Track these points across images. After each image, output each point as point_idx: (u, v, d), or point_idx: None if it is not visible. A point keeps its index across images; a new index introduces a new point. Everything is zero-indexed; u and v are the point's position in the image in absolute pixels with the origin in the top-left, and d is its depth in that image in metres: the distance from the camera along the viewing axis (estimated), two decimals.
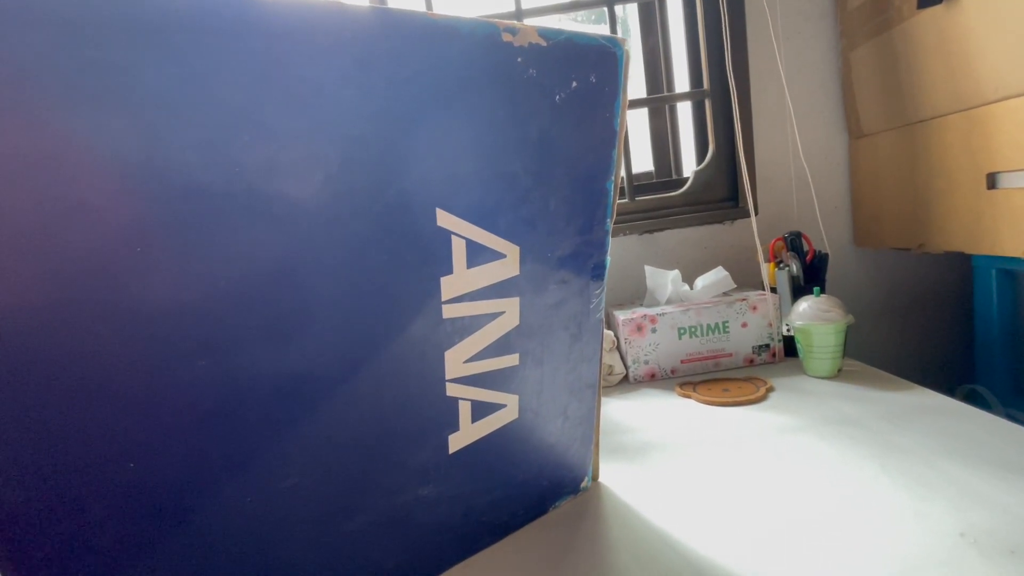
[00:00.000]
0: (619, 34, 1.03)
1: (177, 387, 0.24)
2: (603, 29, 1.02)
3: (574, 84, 0.34)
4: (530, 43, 0.31)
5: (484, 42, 0.29)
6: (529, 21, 0.88)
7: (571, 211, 0.37)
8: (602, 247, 0.40)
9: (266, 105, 0.24)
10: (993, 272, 0.70)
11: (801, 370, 0.69)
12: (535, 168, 0.34)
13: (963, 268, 0.91)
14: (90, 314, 0.21)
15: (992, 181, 0.62)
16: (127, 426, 0.23)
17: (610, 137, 0.37)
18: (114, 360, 0.22)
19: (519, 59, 0.31)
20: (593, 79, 0.34)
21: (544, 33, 0.32)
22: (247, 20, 0.22)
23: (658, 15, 0.98)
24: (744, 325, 0.73)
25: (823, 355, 0.65)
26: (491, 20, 0.30)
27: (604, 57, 0.34)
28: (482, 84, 0.30)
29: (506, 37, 0.30)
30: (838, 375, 0.66)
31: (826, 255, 0.75)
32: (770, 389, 0.64)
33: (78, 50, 0.20)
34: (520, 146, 0.33)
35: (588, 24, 1.05)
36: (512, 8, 0.86)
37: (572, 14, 0.92)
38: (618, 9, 1.00)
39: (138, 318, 0.22)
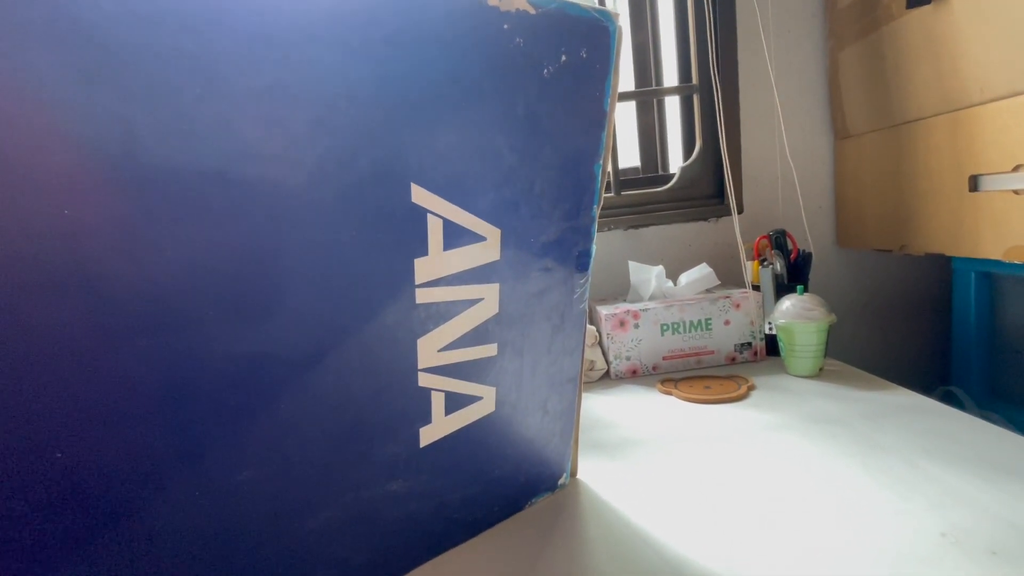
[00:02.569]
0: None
1: (115, 367, 0.22)
2: None
3: (564, 58, 0.32)
4: (518, 9, 0.29)
5: (468, 4, 0.28)
6: None
7: (557, 194, 0.35)
8: (588, 235, 0.38)
9: (222, 63, 0.21)
10: (972, 275, 0.71)
11: (783, 369, 0.69)
12: (520, 145, 0.32)
13: (943, 270, 0.92)
14: (16, 283, 0.19)
15: (974, 183, 0.62)
16: (53, 409, 0.21)
17: (600, 118, 0.35)
18: (41, 334, 0.20)
19: (505, 26, 0.29)
20: (584, 54, 0.32)
21: (533, 0, 0.30)
22: None
23: (648, 9, 0.97)
24: (727, 323, 0.72)
25: (805, 354, 0.65)
26: None
27: (596, 31, 0.33)
28: (465, 49, 0.28)
29: (492, 1, 0.28)
30: (819, 374, 0.66)
31: (810, 254, 0.75)
32: (751, 387, 0.63)
33: (56, 23, 0.17)
34: (504, 121, 0.31)
35: None
36: None
37: None
38: (608, 2, 0.98)
39: (69, 290, 0.20)
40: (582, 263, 0.39)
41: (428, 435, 0.34)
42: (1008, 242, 0.59)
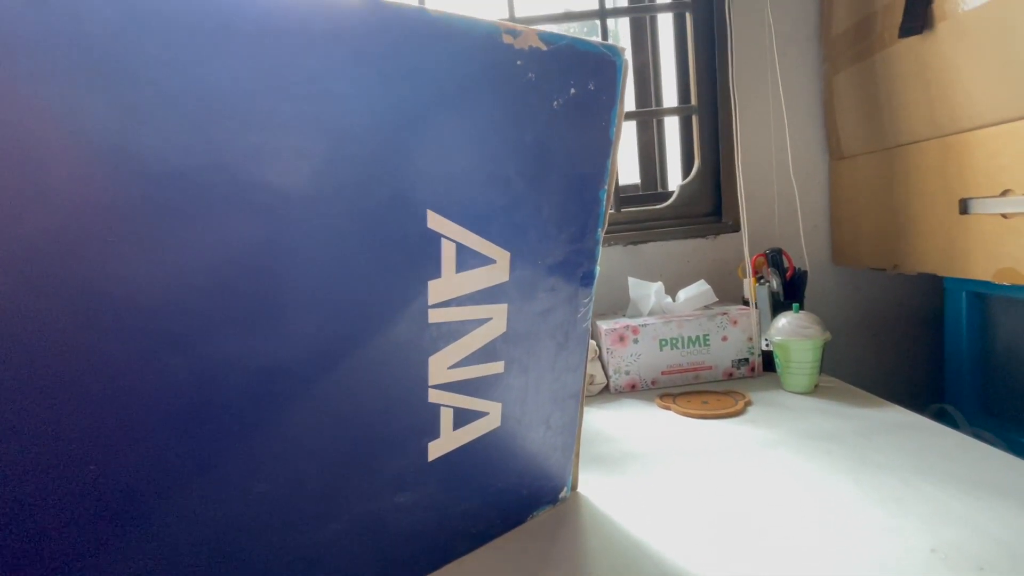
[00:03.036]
0: None
1: (144, 383, 0.23)
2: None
3: (572, 90, 0.33)
4: (530, 46, 0.31)
5: (484, 42, 0.29)
6: None
7: (563, 218, 0.37)
8: (592, 256, 0.40)
9: (254, 94, 0.23)
10: (964, 294, 0.72)
11: (779, 385, 0.70)
12: (530, 173, 0.34)
13: (936, 289, 0.94)
14: (55, 304, 0.20)
15: (964, 206, 0.64)
16: (90, 424, 0.22)
17: (605, 145, 0.37)
18: (79, 353, 0.21)
19: (519, 62, 0.31)
20: (592, 86, 0.34)
21: (545, 37, 0.31)
22: (239, 8, 0.22)
23: (648, 31, 1.00)
24: (724, 339, 0.73)
25: (800, 371, 0.66)
26: (492, 20, 0.29)
27: (603, 65, 0.34)
28: (480, 85, 0.30)
29: (507, 39, 0.30)
30: (814, 391, 0.67)
31: (805, 272, 0.77)
32: (748, 403, 0.64)
33: (55, 22, 0.19)
34: (516, 150, 0.32)
35: (581, 35, 1.06)
36: (506, 16, 0.86)
37: (565, 25, 0.93)
38: (610, 23, 1.01)
39: (106, 309, 0.21)
40: (586, 283, 0.40)
41: (436, 449, 0.35)
42: (998, 264, 0.60)
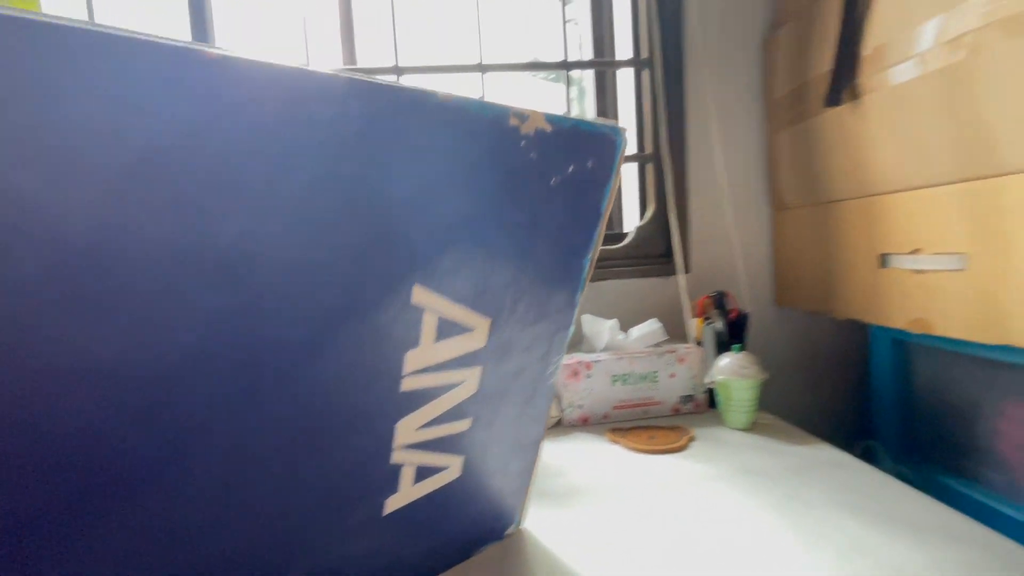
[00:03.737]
0: (574, 94, 1.10)
1: (107, 449, 0.23)
2: (560, 88, 1.09)
3: (571, 168, 0.33)
4: (536, 129, 0.31)
5: (490, 125, 0.29)
6: (490, 76, 0.93)
7: (547, 285, 0.36)
8: (570, 317, 0.40)
9: (239, 170, 0.23)
10: (887, 340, 0.79)
11: (721, 421, 0.74)
12: (519, 247, 0.33)
13: (864, 334, 1.01)
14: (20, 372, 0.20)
15: (883, 261, 0.71)
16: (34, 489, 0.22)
17: (595, 218, 0.37)
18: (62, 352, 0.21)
19: (523, 143, 0.31)
20: (590, 164, 0.34)
21: (551, 119, 0.31)
22: (226, 81, 0.22)
23: (609, 81, 1.06)
24: (672, 376, 0.77)
25: (740, 408, 0.70)
26: (501, 104, 0.29)
27: (604, 144, 0.35)
28: (481, 165, 0.30)
29: (513, 121, 0.30)
30: (753, 427, 0.71)
31: (747, 314, 0.82)
32: (691, 438, 0.68)
33: (33, 103, 0.19)
34: (507, 224, 0.32)
35: (545, 82, 1.12)
36: (477, 61, 0.91)
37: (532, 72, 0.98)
38: (575, 73, 1.07)
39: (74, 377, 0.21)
40: (560, 342, 0.41)
41: (394, 503, 0.36)
42: (911, 314, 0.67)
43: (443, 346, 0.33)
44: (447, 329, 0.33)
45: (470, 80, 1.01)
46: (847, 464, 0.59)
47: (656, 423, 0.75)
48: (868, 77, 0.68)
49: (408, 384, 0.32)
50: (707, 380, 0.76)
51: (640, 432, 0.71)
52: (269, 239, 0.24)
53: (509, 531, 0.48)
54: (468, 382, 0.36)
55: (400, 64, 0.89)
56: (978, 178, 0.57)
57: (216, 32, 0.90)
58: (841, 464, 0.59)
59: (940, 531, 0.45)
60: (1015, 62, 0.51)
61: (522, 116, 0.30)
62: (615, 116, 1.07)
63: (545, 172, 0.33)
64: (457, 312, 0.32)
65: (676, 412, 0.78)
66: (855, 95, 0.71)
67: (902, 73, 0.62)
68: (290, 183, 0.24)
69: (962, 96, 0.56)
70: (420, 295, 0.30)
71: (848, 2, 0.70)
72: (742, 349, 0.74)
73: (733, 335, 0.81)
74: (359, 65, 0.93)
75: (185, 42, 0.21)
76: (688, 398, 0.78)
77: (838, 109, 0.74)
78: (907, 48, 0.61)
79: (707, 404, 0.79)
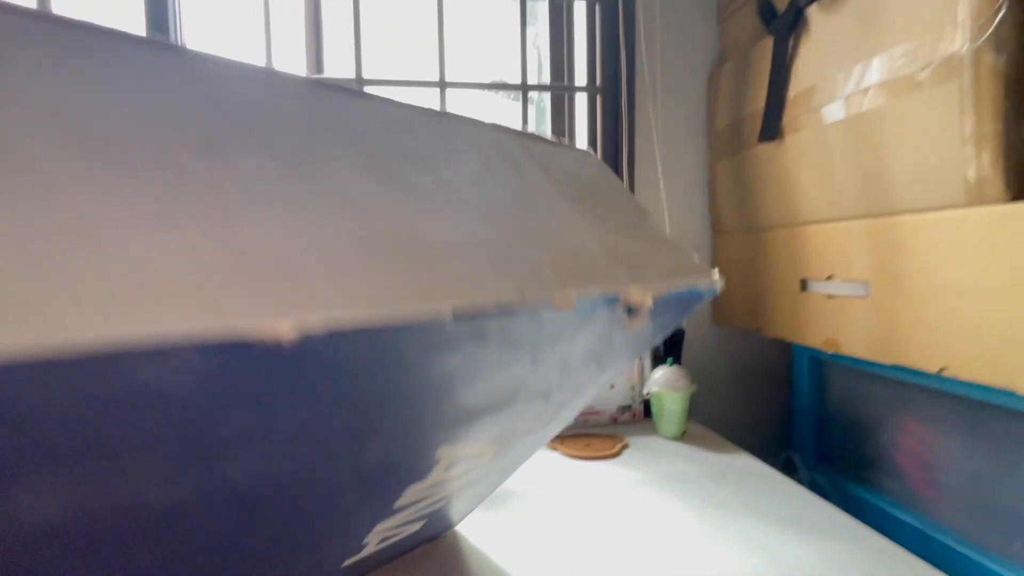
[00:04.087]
0: (532, 113, 1.14)
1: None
2: (517, 106, 1.13)
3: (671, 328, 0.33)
4: (648, 312, 0.29)
5: (603, 314, 0.27)
6: (451, 92, 0.95)
7: (570, 404, 0.36)
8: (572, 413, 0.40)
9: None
10: (806, 358, 0.86)
11: (655, 430, 0.78)
12: (571, 391, 0.32)
13: (788, 352, 1.09)
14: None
15: (804, 285, 0.77)
16: None
17: (647, 344, 0.35)
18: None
19: (629, 325, 0.30)
20: (680, 315, 0.33)
21: (660, 298, 0.29)
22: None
23: (566, 105, 1.11)
24: (612, 387, 0.81)
25: (671, 419, 0.74)
26: (614, 293, 0.27)
27: (699, 301, 0.33)
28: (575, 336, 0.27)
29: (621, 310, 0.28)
30: (683, 437, 0.76)
31: (682, 331, 0.87)
32: (625, 446, 0.72)
33: None
34: (575, 388, 0.31)
35: (506, 100, 1.16)
36: (437, 79, 0.93)
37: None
38: (533, 94, 1.11)
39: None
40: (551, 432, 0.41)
41: (352, 560, 0.35)
42: (825, 335, 0.73)
43: (449, 474, 0.32)
44: (457, 462, 0.32)
45: (430, 96, 1.03)
46: (763, 473, 0.64)
47: (594, 431, 0.78)
48: (796, 117, 0.75)
49: (401, 502, 0.32)
50: (644, 392, 0.80)
51: (578, 439, 0.74)
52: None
53: (444, 532, 0.49)
54: (458, 482, 0.35)
55: (363, 76, 0.90)
56: (879, 215, 0.64)
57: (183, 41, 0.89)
58: (758, 473, 0.64)
59: (830, 531, 0.50)
60: (904, 117, 0.58)
61: (633, 311, 0.28)
62: (571, 136, 1.11)
63: (645, 339, 0.32)
64: (472, 449, 0.31)
65: (614, 421, 0.81)
66: (782, 133, 0.77)
67: (828, 115, 0.69)
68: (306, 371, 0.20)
69: (869, 140, 0.63)
70: (443, 451, 0.29)
71: (778, 47, 0.77)
72: (675, 363, 0.79)
73: (668, 350, 0.86)
74: (326, 75, 0.94)
75: None
76: (626, 408, 0.82)
77: (769, 144, 0.80)
78: (831, 92, 0.68)
79: (643, 414, 0.83)
